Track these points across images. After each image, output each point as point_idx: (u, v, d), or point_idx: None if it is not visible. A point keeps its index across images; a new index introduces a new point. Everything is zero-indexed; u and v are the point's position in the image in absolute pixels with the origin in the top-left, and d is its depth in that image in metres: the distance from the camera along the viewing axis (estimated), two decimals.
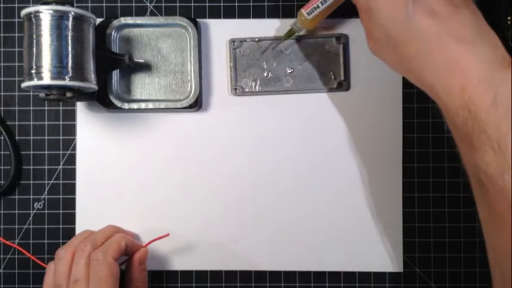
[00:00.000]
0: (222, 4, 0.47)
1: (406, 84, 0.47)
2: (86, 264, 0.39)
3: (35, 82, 0.38)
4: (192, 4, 0.47)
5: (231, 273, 0.47)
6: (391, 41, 0.32)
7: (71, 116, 0.47)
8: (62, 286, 0.39)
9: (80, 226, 0.47)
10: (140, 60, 0.46)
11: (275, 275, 0.47)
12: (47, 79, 0.38)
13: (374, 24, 0.33)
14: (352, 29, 0.47)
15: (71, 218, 0.47)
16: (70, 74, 0.39)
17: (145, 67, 0.46)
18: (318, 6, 0.42)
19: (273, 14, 0.47)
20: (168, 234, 0.44)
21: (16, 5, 0.48)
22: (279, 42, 0.45)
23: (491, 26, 0.46)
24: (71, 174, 0.47)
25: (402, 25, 0.31)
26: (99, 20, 0.44)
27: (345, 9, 0.43)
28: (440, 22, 0.29)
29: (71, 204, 0.47)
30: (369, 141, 0.47)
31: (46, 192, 0.47)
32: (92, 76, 0.41)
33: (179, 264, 0.47)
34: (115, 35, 0.45)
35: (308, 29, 0.45)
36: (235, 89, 0.46)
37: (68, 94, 0.40)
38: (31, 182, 0.47)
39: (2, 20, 0.48)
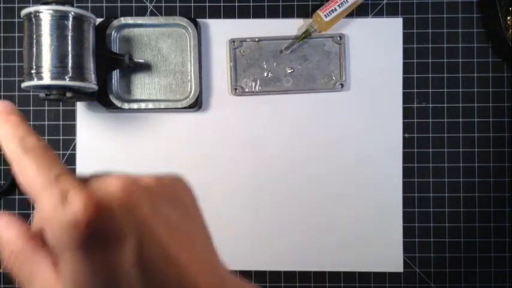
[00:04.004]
0: (222, 4, 0.47)
1: (406, 84, 0.47)
2: None
3: (35, 82, 0.38)
4: (192, 4, 0.47)
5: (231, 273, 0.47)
6: None
7: (71, 116, 0.47)
8: None
9: None
10: (140, 60, 0.46)
11: (275, 275, 0.47)
12: (47, 79, 0.38)
13: None
14: (352, 29, 0.47)
15: None
16: (70, 74, 0.39)
17: (145, 67, 0.46)
18: (335, 9, 0.43)
19: (273, 14, 0.47)
20: None
21: (16, 5, 0.48)
22: (295, 42, 0.45)
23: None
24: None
25: None
26: (99, 20, 0.44)
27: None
28: None
29: None
30: (369, 141, 0.47)
31: None
32: (92, 76, 0.41)
33: None
34: (115, 35, 0.45)
35: (324, 30, 0.45)
36: (235, 89, 0.46)
37: (68, 94, 0.40)
38: None
39: (2, 20, 0.48)
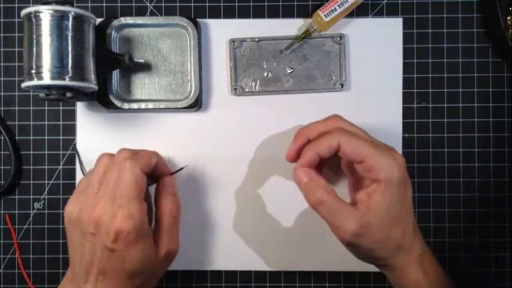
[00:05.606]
0: (222, 4, 0.47)
1: (406, 84, 0.47)
2: (119, 170, 0.38)
3: (35, 82, 0.38)
4: (192, 4, 0.47)
5: (231, 273, 0.47)
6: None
7: (71, 116, 0.47)
8: (93, 186, 0.38)
9: None
10: (140, 60, 0.46)
11: (275, 275, 0.47)
12: (47, 79, 0.38)
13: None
14: (352, 29, 0.47)
15: None
16: (70, 74, 0.39)
17: (145, 67, 0.46)
18: (335, 9, 0.44)
19: (273, 14, 0.47)
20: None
21: (16, 5, 0.48)
22: (295, 42, 0.45)
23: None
24: (71, 174, 0.47)
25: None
26: (99, 20, 0.44)
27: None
28: None
29: None
30: None
31: (46, 192, 0.47)
32: (92, 76, 0.41)
33: (179, 264, 0.47)
34: (115, 35, 0.45)
35: (324, 30, 0.45)
36: (235, 89, 0.46)
37: (68, 94, 0.40)
38: (31, 182, 0.47)
39: (2, 20, 0.48)
